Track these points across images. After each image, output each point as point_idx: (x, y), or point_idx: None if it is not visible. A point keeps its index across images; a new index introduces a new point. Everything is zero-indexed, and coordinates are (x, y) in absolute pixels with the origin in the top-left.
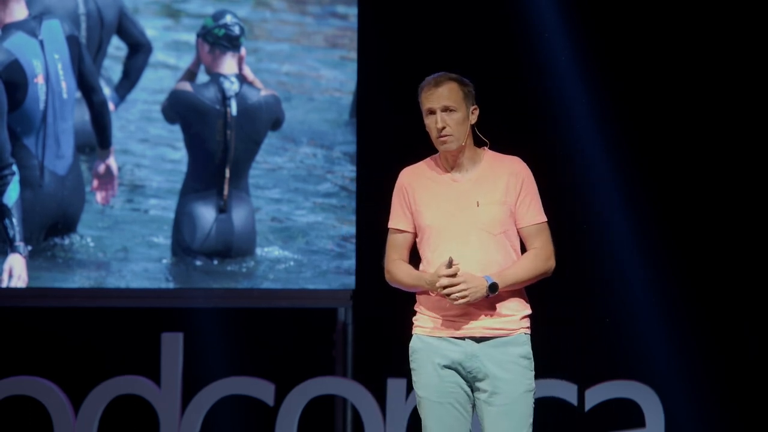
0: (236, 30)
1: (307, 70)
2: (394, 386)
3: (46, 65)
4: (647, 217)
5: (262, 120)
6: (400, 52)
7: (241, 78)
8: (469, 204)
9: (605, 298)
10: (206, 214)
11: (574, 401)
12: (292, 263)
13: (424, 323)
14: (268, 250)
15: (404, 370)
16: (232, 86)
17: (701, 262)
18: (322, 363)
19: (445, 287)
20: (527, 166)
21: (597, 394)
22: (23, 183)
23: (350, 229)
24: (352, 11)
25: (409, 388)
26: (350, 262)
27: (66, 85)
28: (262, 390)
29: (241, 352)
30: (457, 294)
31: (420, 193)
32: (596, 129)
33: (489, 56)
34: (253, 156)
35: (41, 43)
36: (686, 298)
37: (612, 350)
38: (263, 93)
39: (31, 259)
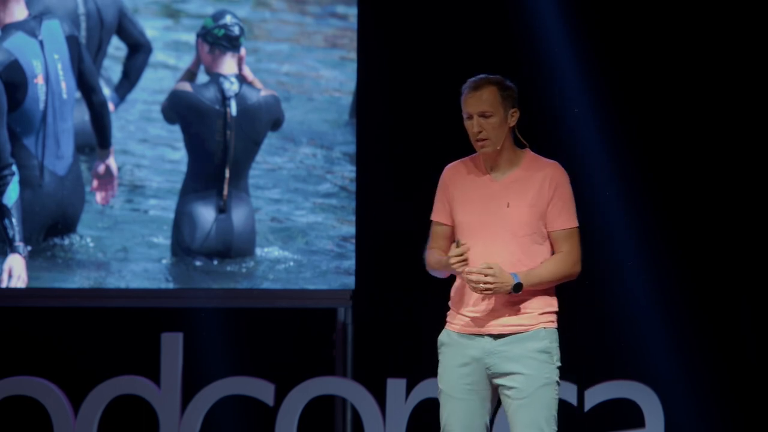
0: (236, 30)
1: (307, 70)
2: (394, 386)
3: (46, 65)
4: (648, 217)
5: (261, 120)
6: (400, 52)
7: (241, 78)
8: (500, 205)
9: (605, 298)
10: (206, 214)
11: (574, 401)
12: (291, 263)
13: (451, 319)
14: (268, 251)
15: (404, 371)
16: (231, 86)
17: (701, 262)
18: (322, 363)
19: (471, 273)
20: (564, 171)
21: (596, 394)
22: (23, 183)
23: (350, 229)
24: (352, 11)
25: (409, 388)
26: (350, 263)
27: (66, 85)
28: (262, 390)
29: (241, 352)
30: (482, 285)
31: (458, 191)
32: (597, 129)
33: (489, 56)
34: (253, 156)
35: (41, 43)
36: (686, 298)
37: (612, 350)
38: (263, 93)
39: (30, 259)
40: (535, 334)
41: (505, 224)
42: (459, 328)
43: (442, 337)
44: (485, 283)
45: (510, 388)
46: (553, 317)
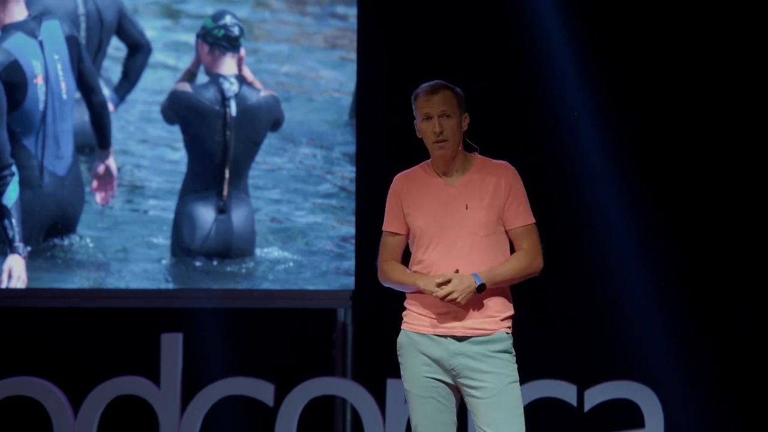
0: (236, 30)
1: (307, 70)
2: (394, 387)
3: (46, 66)
4: (648, 217)
5: (261, 120)
6: (400, 53)
7: (241, 78)
8: (458, 208)
9: (605, 298)
10: (206, 214)
11: (574, 402)
12: (291, 264)
13: (411, 320)
14: (268, 251)
15: None
16: (231, 87)
17: (701, 262)
18: (322, 363)
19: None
20: (515, 171)
21: (596, 395)
22: (23, 183)
23: (350, 229)
24: (352, 12)
25: None
26: (350, 263)
27: (65, 85)
28: (262, 390)
29: (241, 353)
30: (444, 295)
31: (412, 198)
32: (597, 129)
33: (488, 57)
34: (253, 156)
35: (41, 43)
36: (686, 298)
37: (611, 350)
38: (263, 93)
39: (30, 259)
40: (498, 337)
41: (466, 226)
42: (419, 329)
43: (401, 338)
44: (448, 297)
45: (478, 387)
46: (511, 322)
